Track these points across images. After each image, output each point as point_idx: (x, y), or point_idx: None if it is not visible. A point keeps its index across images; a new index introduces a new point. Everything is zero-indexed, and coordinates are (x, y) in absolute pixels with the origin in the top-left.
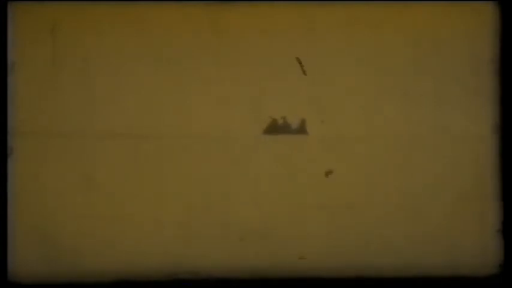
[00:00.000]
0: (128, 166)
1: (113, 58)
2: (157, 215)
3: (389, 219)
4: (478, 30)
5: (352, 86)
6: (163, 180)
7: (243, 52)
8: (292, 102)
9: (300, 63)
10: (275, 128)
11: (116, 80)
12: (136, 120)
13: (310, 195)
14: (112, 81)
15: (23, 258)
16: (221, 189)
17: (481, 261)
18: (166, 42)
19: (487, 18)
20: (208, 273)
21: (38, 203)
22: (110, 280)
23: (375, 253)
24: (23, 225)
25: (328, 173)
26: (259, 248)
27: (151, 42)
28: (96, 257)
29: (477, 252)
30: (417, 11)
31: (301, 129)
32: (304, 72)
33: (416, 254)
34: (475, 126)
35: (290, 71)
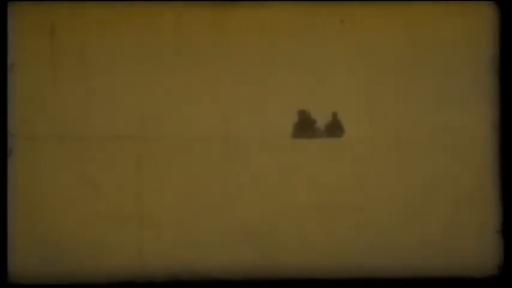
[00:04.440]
0: (127, 167)
1: (112, 58)
2: (158, 216)
3: (390, 220)
4: (478, 30)
5: (352, 86)
6: (163, 181)
7: (244, 52)
8: (292, 102)
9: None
10: (275, 129)
11: (116, 80)
12: (136, 121)
13: (309, 195)
14: (111, 81)
15: (23, 259)
16: (222, 190)
17: (481, 263)
18: (167, 43)
19: (487, 18)
20: (208, 274)
21: (37, 204)
22: (110, 281)
23: (375, 254)
24: (23, 226)
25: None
26: (260, 249)
27: (151, 42)
28: (96, 257)
29: (477, 254)
30: (417, 11)
31: (302, 131)
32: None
33: (416, 255)
34: (475, 127)
35: (291, 70)
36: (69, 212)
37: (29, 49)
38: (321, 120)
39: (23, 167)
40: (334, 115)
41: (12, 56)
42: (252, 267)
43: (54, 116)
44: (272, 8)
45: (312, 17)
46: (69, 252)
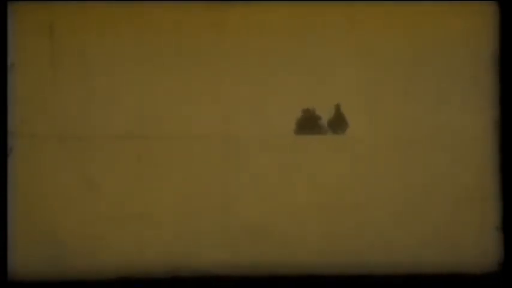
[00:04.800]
0: (127, 166)
1: (112, 58)
2: (158, 216)
3: (391, 218)
4: (478, 29)
5: (351, 86)
6: (163, 180)
7: (243, 52)
8: (292, 102)
9: None
10: (275, 128)
11: (116, 80)
12: (136, 121)
13: (309, 194)
14: (111, 81)
15: (23, 258)
16: (222, 190)
17: (481, 259)
18: (166, 43)
19: (487, 18)
20: (207, 271)
21: (37, 203)
22: (110, 278)
23: (376, 251)
24: (23, 225)
25: None
26: (260, 249)
27: (150, 42)
28: (96, 255)
29: (477, 250)
30: (417, 11)
31: (301, 130)
32: None
33: (417, 252)
34: (475, 127)
35: (290, 70)
36: (69, 211)
37: (29, 49)
38: (320, 120)
39: (23, 166)
40: (336, 113)
41: (12, 56)
42: (252, 267)
43: (54, 115)
44: (272, 8)
45: (312, 17)
46: (69, 251)
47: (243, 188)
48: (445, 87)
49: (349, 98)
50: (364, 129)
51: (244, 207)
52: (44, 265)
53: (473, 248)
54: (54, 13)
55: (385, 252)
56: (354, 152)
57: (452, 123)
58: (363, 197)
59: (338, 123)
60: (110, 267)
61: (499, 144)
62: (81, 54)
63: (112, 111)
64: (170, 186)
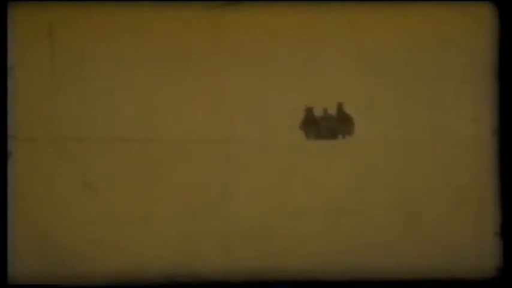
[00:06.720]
0: (127, 169)
1: (112, 61)
2: (156, 218)
3: (388, 222)
4: (477, 31)
5: (350, 88)
6: (162, 183)
7: (242, 55)
8: (291, 105)
9: None
10: (272, 132)
11: (115, 82)
12: (135, 124)
13: (309, 197)
14: (111, 83)
15: (23, 261)
16: (220, 192)
17: (480, 265)
18: (165, 45)
19: (486, 19)
20: (207, 276)
21: (37, 207)
22: (109, 283)
23: (373, 256)
24: (23, 229)
25: None
26: (259, 251)
27: (150, 45)
28: (96, 259)
29: (476, 255)
30: (416, 12)
31: (299, 133)
32: None
33: (414, 257)
34: (474, 129)
35: (290, 73)
36: (68, 214)
37: (28, 51)
38: (320, 122)
39: (23, 169)
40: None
41: (11, 59)
42: (252, 270)
43: (54, 118)
44: (273, 9)
45: (312, 17)
46: (68, 254)
47: (243, 192)
48: (444, 89)
49: (347, 100)
50: (362, 131)
51: (245, 211)
52: (43, 269)
53: (471, 253)
54: (53, 15)
55: (382, 257)
56: (353, 154)
57: (451, 127)
58: (362, 200)
59: (344, 125)
60: (109, 270)
61: (498, 149)
62: (80, 57)
63: (111, 114)
64: (170, 189)
